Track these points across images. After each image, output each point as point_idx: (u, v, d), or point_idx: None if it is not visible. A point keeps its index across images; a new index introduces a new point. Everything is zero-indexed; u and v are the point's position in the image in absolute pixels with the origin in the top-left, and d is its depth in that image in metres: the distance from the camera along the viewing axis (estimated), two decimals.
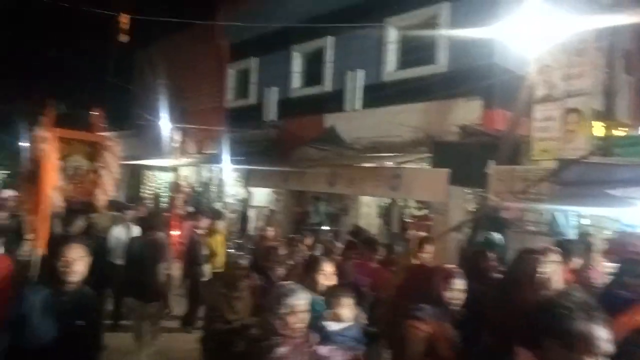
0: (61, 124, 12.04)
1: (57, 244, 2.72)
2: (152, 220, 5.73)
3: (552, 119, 6.74)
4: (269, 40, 13.13)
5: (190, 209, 12.10)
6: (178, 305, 6.30)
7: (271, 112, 13.38)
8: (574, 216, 6.27)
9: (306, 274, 3.24)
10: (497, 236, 6.32)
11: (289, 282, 2.76)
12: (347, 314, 2.98)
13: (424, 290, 3.05)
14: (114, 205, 8.25)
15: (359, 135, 10.27)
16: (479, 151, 7.48)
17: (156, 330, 5.20)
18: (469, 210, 9.12)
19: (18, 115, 16.91)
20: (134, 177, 18.35)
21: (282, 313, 2.38)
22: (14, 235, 5.04)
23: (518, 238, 6.30)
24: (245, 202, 13.26)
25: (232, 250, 7.38)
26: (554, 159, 6.39)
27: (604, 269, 4.64)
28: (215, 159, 13.84)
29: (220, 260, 7.05)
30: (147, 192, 18.07)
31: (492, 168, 6.71)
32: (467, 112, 8.68)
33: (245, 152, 13.02)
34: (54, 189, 10.61)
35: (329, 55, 11.74)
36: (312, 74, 12.34)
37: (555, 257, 2.91)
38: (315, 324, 2.72)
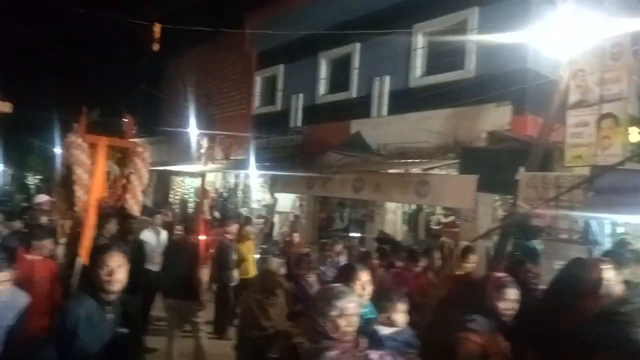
0: (94, 131, 12.42)
1: (97, 252, 2.69)
2: (188, 225, 5.95)
3: (586, 124, 6.54)
4: (295, 48, 13.24)
5: (217, 214, 12.28)
6: (207, 311, 6.33)
7: (297, 118, 13.46)
8: (608, 224, 6.08)
9: (341, 282, 3.05)
10: (535, 244, 6.16)
11: (338, 284, 2.69)
12: (400, 319, 2.95)
13: (474, 301, 2.94)
14: (143, 209, 8.39)
15: (385, 141, 10.22)
16: (508, 157, 7.34)
17: (196, 327, 5.43)
18: (497, 218, 8.97)
19: (52, 122, 17.45)
20: (162, 182, 18.71)
21: (332, 316, 2.31)
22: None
23: (550, 246, 6.14)
24: (270, 208, 13.33)
25: (263, 256, 7.41)
26: (587, 166, 6.21)
27: None
28: (241, 165, 13.99)
29: (249, 266, 7.09)
30: (175, 197, 18.38)
31: (523, 174, 6.56)
32: (496, 117, 8.55)
33: (271, 158, 13.12)
34: (87, 194, 10.88)
35: (356, 62, 11.76)
36: (339, 80, 12.37)
37: (612, 266, 2.81)
38: (363, 329, 2.65)
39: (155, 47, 9.56)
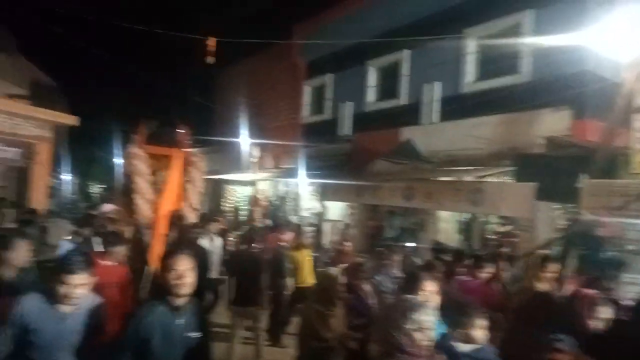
0: (151, 141, 12.99)
1: (165, 256, 2.68)
2: (252, 234, 6.26)
3: None
4: (344, 57, 13.33)
5: (268, 222, 12.47)
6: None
7: (346, 126, 13.50)
8: None
9: (405, 292, 2.95)
10: (612, 256, 5.83)
11: (413, 296, 2.63)
12: (480, 336, 2.79)
13: (559, 318, 2.78)
14: (199, 217, 8.63)
15: (436, 148, 10.05)
16: (568, 164, 7.04)
17: (258, 334, 5.66)
18: (557, 227, 8.58)
19: (114, 133, 18.41)
20: (215, 191, 19.23)
21: (408, 329, 2.24)
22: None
23: (617, 258, 5.82)
24: (320, 216, 13.40)
25: (318, 265, 7.41)
26: None
27: None
28: (291, 173, 14.17)
29: (306, 274, 7.11)
30: (227, 205, 18.84)
31: (585, 182, 6.27)
32: (554, 123, 8.21)
33: (321, 166, 13.21)
34: (147, 202, 11.35)
35: (405, 69, 11.68)
36: (388, 88, 12.32)
37: None
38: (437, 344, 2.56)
39: (210, 60, 9.91)
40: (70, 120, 10.15)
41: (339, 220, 13.19)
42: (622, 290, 5.30)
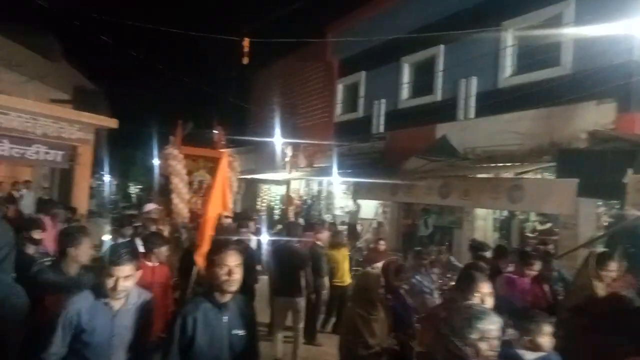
0: (188, 142, 13.28)
1: (215, 251, 2.59)
2: (291, 228, 6.37)
3: None
4: (377, 54, 13.23)
5: (301, 220, 12.53)
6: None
7: (380, 124, 13.40)
8: None
9: (459, 293, 2.80)
10: None
11: (476, 303, 2.50)
12: (547, 343, 2.66)
13: (632, 325, 2.61)
14: (234, 216, 8.75)
15: (473, 144, 9.84)
16: (613, 159, 6.76)
17: (297, 331, 5.73)
18: (601, 225, 8.26)
19: (152, 135, 18.90)
20: (250, 190, 19.48)
21: (472, 338, 2.10)
22: None
23: None
24: (353, 215, 13.36)
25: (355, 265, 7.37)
26: None
27: None
28: (324, 172, 14.19)
29: (344, 273, 7.09)
30: (262, 204, 19.05)
31: (631, 177, 6.01)
32: (597, 116, 7.90)
33: (354, 164, 13.16)
34: (184, 202, 11.57)
35: (440, 64, 11.49)
36: (423, 84, 12.15)
37: None
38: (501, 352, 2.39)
39: (245, 60, 10.04)
40: (111, 123, 10.48)
41: (372, 219, 13.11)
42: None
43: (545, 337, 2.65)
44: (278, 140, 15.78)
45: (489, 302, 2.80)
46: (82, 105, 12.32)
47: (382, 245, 7.98)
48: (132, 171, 38.09)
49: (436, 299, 4.83)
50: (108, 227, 7.80)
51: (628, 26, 6.89)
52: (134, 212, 13.24)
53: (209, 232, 4.55)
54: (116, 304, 2.55)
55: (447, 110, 10.89)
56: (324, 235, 7.01)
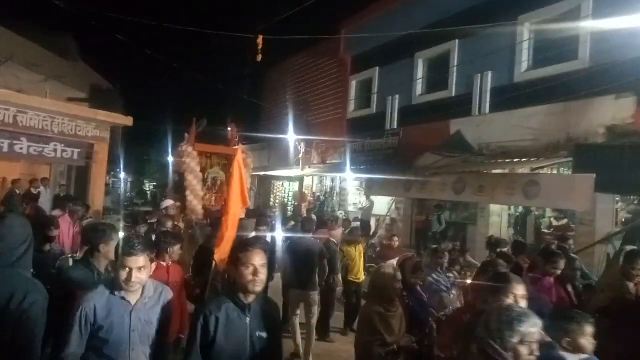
0: (202, 139, 13.37)
1: (240, 249, 2.49)
2: (307, 226, 6.36)
3: None
4: (391, 49, 13.16)
5: (314, 217, 12.55)
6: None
7: (394, 120, 13.34)
8: None
9: (492, 295, 2.64)
10: None
11: (514, 304, 2.39)
12: (589, 345, 2.54)
13: None
14: (250, 212, 8.77)
15: (488, 140, 9.75)
16: (632, 154, 6.63)
17: (312, 317, 5.76)
18: (620, 221, 8.14)
19: (166, 132, 19.07)
20: (263, 187, 19.56)
21: (513, 342, 2.00)
22: None
23: None
24: (367, 211, 13.34)
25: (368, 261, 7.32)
26: None
27: None
28: (337, 168, 14.18)
29: (360, 270, 7.06)
30: (275, 201, 19.12)
31: None
32: (616, 110, 7.78)
33: (367, 161, 13.13)
34: (199, 199, 11.62)
35: (455, 59, 11.39)
36: (437, 80, 12.07)
37: None
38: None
39: (259, 58, 10.06)
40: (126, 121, 10.58)
41: (385, 215, 13.08)
42: None
43: (588, 339, 2.53)
44: (291, 137, 15.80)
45: (523, 305, 2.63)
46: (99, 104, 12.44)
47: (396, 242, 7.96)
48: (147, 168, 38.51)
49: (453, 298, 4.75)
50: (122, 224, 7.84)
51: None
52: (149, 209, 13.35)
53: (230, 230, 4.52)
54: (132, 298, 2.48)
55: (461, 106, 10.80)
56: (338, 232, 6.98)
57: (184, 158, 11.82)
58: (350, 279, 6.92)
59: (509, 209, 10.19)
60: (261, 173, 17.21)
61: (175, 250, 4.10)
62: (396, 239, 8.04)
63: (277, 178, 18.64)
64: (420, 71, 12.71)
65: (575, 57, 8.63)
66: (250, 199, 15.92)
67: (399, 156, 12.06)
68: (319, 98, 17.05)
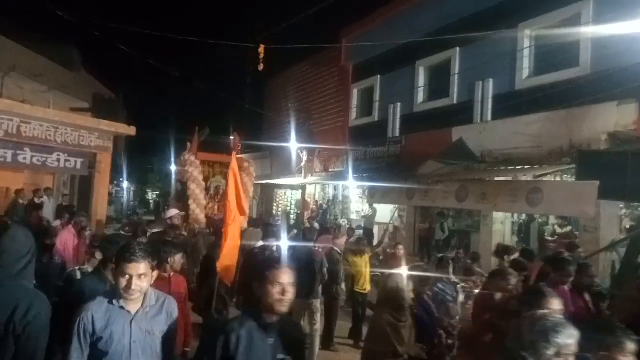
0: (205, 149, 13.40)
1: (267, 266, 2.38)
2: (309, 235, 6.39)
3: None
4: (392, 57, 13.22)
5: (316, 225, 12.55)
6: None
7: (395, 128, 13.36)
8: None
9: (526, 309, 2.45)
10: None
11: (548, 313, 2.25)
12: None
13: None
14: (252, 221, 8.77)
15: (490, 147, 9.74)
16: (634, 160, 6.60)
17: (314, 324, 5.75)
18: (624, 228, 8.10)
19: (169, 141, 19.13)
20: (265, 195, 19.57)
21: (548, 354, 1.90)
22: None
23: None
24: (369, 219, 13.31)
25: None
26: None
27: None
28: (340, 176, 14.19)
29: (366, 281, 6.94)
30: (277, 209, 19.12)
31: None
32: (618, 117, 7.76)
33: (369, 169, 13.14)
34: (201, 207, 11.62)
35: (456, 67, 11.43)
36: (438, 87, 12.10)
37: None
38: None
39: (261, 67, 10.13)
40: (129, 130, 10.63)
41: (388, 223, 13.05)
42: None
43: (628, 356, 2.28)
44: (293, 145, 15.84)
45: None
46: (102, 114, 12.52)
47: (401, 250, 7.87)
48: (150, 177, 38.63)
49: (459, 308, 4.68)
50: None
51: None
52: (152, 218, 13.37)
53: (229, 240, 4.50)
54: (132, 307, 2.36)
55: (463, 113, 10.81)
56: (342, 240, 6.92)
57: (186, 167, 11.87)
58: (357, 290, 6.81)
59: (512, 216, 10.16)
60: (264, 181, 17.23)
61: (177, 259, 3.93)
62: (401, 247, 7.94)
63: (280, 186, 18.65)
64: (421, 79, 12.74)
65: (576, 64, 8.64)
66: (253, 207, 15.95)
67: (401, 164, 12.07)
68: (321, 106, 17.10)
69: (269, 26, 15.77)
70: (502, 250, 6.24)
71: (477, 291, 4.19)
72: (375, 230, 13.07)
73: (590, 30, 8.32)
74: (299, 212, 17.04)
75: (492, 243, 9.63)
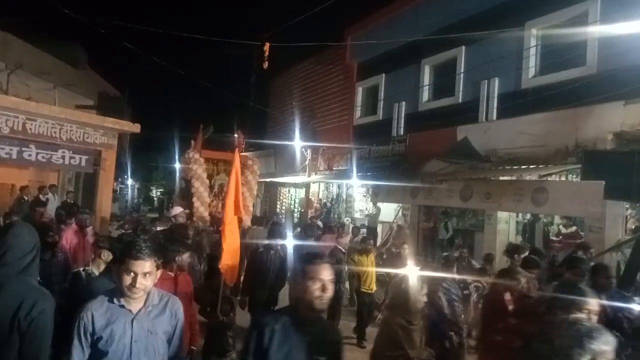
0: (209, 146, 13.41)
1: (307, 261, 2.27)
2: (309, 232, 6.19)
3: None
4: (397, 56, 13.18)
5: (320, 223, 12.54)
6: None
7: (400, 126, 13.33)
8: None
9: (562, 309, 2.36)
10: None
11: (582, 318, 2.19)
12: None
13: None
14: (256, 219, 8.76)
15: (495, 146, 9.70)
16: None
17: None
18: (629, 228, 8.04)
19: (173, 139, 19.18)
20: (269, 193, 19.59)
21: None
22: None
23: None
24: (373, 218, 13.29)
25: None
26: None
27: None
28: (343, 175, 14.18)
29: (372, 280, 6.88)
30: (281, 207, 19.14)
31: None
32: (624, 116, 7.71)
33: (373, 167, 13.11)
34: (205, 205, 11.62)
35: (462, 65, 11.37)
36: (443, 86, 12.05)
37: None
38: None
39: (265, 65, 10.14)
40: (133, 127, 10.65)
41: (392, 222, 13.03)
42: None
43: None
44: (297, 143, 15.84)
45: (594, 321, 2.37)
46: (106, 111, 12.57)
47: (406, 250, 7.79)
48: (154, 175, 38.74)
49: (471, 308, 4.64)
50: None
51: None
52: (155, 216, 13.40)
53: (228, 238, 4.49)
54: (134, 306, 2.28)
55: (468, 112, 10.77)
56: (346, 239, 6.85)
57: (190, 164, 11.87)
58: (363, 289, 6.75)
59: (517, 216, 10.11)
60: (267, 180, 17.24)
61: (184, 259, 3.85)
62: (406, 246, 7.86)
63: (284, 184, 18.66)
64: (426, 77, 12.70)
65: (583, 63, 8.58)
66: (257, 205, 15.96)
67: (406, 163, 12.04)
68: (325, 105, 17.09)
69: (273, 25, 15.82)
70: (513, 249, 6.17)
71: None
72: (379, 229, 13.05)
73: (597, 29, 8.26)
74: (302, 210, 17.04)
75: (496, 242, 9.62)
